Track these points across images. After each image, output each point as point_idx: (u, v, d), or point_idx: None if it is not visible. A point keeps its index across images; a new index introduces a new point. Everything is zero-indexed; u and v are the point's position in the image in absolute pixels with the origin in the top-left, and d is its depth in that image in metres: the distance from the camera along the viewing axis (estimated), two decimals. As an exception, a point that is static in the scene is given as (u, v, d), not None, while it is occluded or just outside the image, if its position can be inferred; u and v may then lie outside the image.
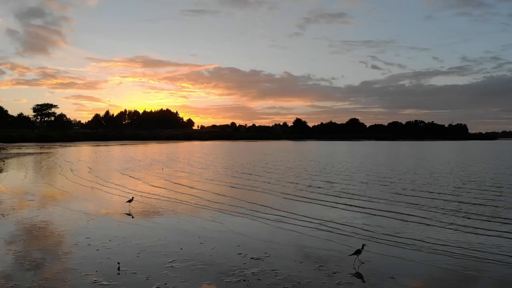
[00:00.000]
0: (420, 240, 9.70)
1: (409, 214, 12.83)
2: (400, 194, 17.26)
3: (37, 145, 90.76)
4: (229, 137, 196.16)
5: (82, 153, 57.74)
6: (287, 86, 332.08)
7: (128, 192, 17.77)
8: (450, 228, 11.02)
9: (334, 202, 15.17)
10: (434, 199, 15.80)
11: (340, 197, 16.50)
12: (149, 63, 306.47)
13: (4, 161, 38.46)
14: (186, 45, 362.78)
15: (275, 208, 13.99)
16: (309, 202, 15.30)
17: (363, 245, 8.27)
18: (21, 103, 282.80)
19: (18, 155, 49.66)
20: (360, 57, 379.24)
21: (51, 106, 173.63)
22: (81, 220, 12.15)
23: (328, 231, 10.70)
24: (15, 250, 8.88)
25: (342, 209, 13.94)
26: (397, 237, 10.07)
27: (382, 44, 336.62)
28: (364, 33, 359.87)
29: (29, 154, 52.58)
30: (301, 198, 16.18)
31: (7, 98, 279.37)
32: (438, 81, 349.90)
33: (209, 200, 15.58)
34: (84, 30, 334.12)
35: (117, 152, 59.25)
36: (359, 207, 14.21)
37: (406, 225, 11.43)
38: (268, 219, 12.14)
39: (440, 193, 17.37)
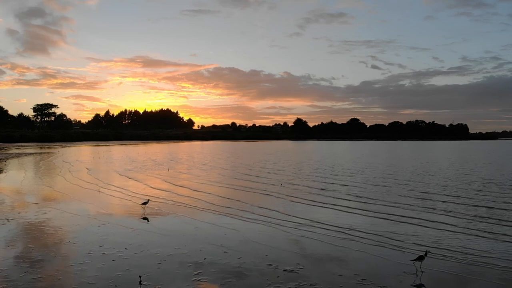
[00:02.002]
0: (460, 252, 8.92)
1: (437, 221, 12.02)
2: (421, 198, 16.50)
3: (37, 145, 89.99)
4: (229, 137, 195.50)
5: (83, 153, 57.00)
6: (287, 86, 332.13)
7: (134, 196, 17.09)
8: (487, 237, 10.27)
9: (353, 208, 14.33)
10: (460, 204, 15.00)
11: (358, 201, 15.69)
12: (149, 63, 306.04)
13: (5, 161, 37.73)
14: (186, 45, 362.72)
15: (291, 214, 13.14)
16: (327, 208, 14.42)
17: (426, 252, 7.67)
18: (21, 103, 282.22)
19: (19, 155, 48.92)
20: (360, 57, 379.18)
21: (51, 106, 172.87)
22: (91, 225, 11.44)
23: (355, 240, 9.92)
24: (23, 260, 8.17)
25: (364, 215, 13.11)
26: (433, 247, 9.26)
27: (382, 44, 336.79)
28: (364, 33, 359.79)
29: (30, 154, 51.82)
30: (317, 203, 15.30)
31: (7, 98, 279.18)
32: (438, 81, 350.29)
33: (221, 206, 14.76)
34: (84, 30, 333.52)
35: (119, 153, 58.52)
36: (381, 213, 13.40)
37: (439, 233, 10.67)
38: (287, 227, 11.32)
39: (463, 197, 16.61)
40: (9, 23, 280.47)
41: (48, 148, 74.92)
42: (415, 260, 7.66)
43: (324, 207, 14.55)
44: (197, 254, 8.59)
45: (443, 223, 11.82)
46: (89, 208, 14.14)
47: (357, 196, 17.04)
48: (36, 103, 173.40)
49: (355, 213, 13.38)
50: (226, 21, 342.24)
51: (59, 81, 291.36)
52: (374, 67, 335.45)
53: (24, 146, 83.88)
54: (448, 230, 10.92)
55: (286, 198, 16.42)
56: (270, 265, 7.91)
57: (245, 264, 7.95)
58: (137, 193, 17.54)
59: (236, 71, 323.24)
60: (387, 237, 10.16)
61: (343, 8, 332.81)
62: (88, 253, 8.73)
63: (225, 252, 8.78)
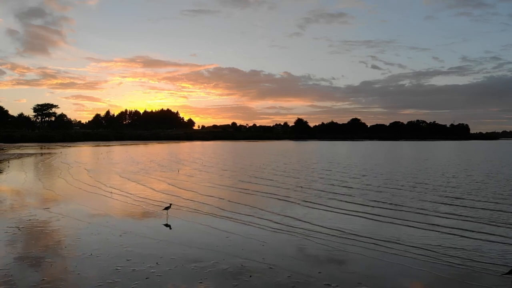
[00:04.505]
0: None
1: (489, 233, 10.82)
2: (457, 204, 15.29)
3: (38, 145, 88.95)
4: (230, 137, 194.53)
5: (86, 154, 56.01)
6: (287, 86, 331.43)
7: (145, 201, 16.10)
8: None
9: (384, 216, 13.00)
10: (504, 212, 13.86)
11: (388, 209, 14.39)
12: (149, 63, 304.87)
13: (8, 162, 36.71)
14: (186, 45, 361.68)
15: (320, 224, 12.02)
16: (357, 216, 13.09)
17: None
18: (21, 103, 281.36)
19: (21, 155, 47.89)
20: (360, 57, 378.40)
21: (51, 106, 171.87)
22: (112, 235, 10.43)
23: (407, 256, 8.75)
24: (42, 279, 7.15)
25: (400, 224, 11.85)
26: (504, 265, 8.19)
27: (382, 44, 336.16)
28: (364, 33, 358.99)
29: (32, 155, 50.81)
30: (344, 211, 13.98)
31: (7, 98, 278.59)
32: (438, 81, 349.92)
33: (242, 214, 13.64)
34: (84, 30, 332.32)
35: (122, 153, 57.49)
36: (422, 222, 12.13)
37: (499, 247, 9.65)
38: (322, 239, 10.16)
39: (502, 203, 15.55)
40: (9, 23, 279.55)
41: (50, 148, 73.86)
42: (507, 273, 6.72)
43: (353, 215, 13.25)
44: (240, 271, 7.60)
45: (495, 234, 10.74)
46: (104, 215, 13.12)
47: (383, 202, 15.74)
48: (36, 103, 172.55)
49: (390, 222, 12.14)
50: (226, 21, 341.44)
51: (59, 81, 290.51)
52: (374, 67, 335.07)
53: (25, 146, 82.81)
54: (507, 243, 9.87)
55: (308, 205, 15.08)
56: (329, 284, 6.92)
57: (299, 284, 6.94)
58: (148, 198, 16.42)
59: (236, 71, 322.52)
60: (443, 254, 8.88)
61: (343, 8, 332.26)
62: (116, 268, 7.74)
63: (270, 268, 7.77)
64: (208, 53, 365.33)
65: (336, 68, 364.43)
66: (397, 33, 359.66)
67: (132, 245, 9.46)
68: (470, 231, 11.07)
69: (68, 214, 13.01)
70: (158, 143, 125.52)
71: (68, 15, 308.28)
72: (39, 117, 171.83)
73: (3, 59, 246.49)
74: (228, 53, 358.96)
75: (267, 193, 18.28)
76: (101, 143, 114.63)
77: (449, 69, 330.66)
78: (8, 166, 32.26)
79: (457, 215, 13.29)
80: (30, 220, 12.18)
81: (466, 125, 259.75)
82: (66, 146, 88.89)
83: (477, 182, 22.25)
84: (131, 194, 17.71)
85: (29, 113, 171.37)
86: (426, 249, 9.27)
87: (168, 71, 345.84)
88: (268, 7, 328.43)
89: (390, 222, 12.19)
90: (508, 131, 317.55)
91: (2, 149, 65.19)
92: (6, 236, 10.25)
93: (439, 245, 9.61)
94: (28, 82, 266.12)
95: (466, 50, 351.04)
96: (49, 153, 55.57)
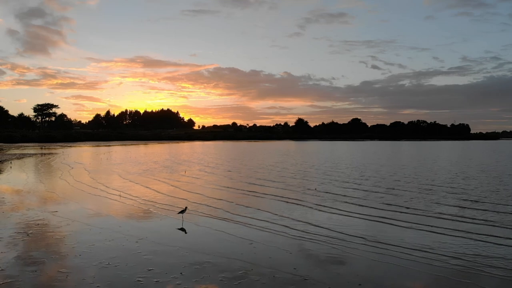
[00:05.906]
0: None
1: None
2: (481, 209, 14.78)
3: (39, 146, 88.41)
4: (231, 137, 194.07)
5: (88, 155, 55.46)
6: (287, 86, 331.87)
7: (152, 204, 15.54)
8: None
9: (414, 223, 12.10)
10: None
11: (416, 214, 13.49)
12: (149, 63, 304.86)
13: (10, 162, 36.15)
14: (186, 45, 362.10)
15: (338, 230, 11.60)
16: (381, 222, 12.35)
17: None
18: (21, 103, 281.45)
19: (22, 156, 47.31)
20: (360, 57, 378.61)
21: (51, 106, 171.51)
22: (127, 241, 9.87)
23: (442, 266, 8.26)
24: (61, 291, 6.61)
25: (433, 232, 11.10)
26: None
27: (382, 44, 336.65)
28: (364, 33, 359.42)
29: (34, 155, 50.25)
30: (368, 217, 13.14)
31: (7, 98, 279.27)
32: (438, 81, 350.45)
33: (256, 219, 13.21)
34: (84, 30, 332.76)
35: (124, 153, 56.93)
36: (450, 228, 11.43)
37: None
38: (347, 247, 9.63)
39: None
40: (10, 23, 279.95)
41: (51, 148, 73.28)
42: None
43: (374, 220, 12.53)
44: (273, 283, 7.01)
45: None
46: (114, 219, 12.54)
47: (402, 206, 15.02)
48: (36, 103, 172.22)
49: (416, 229, 11.42)
50: (226, 21, 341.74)
51: (59, 81, 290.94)
52: (374, 67, 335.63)
53: (26, 146, 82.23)
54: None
55: (325, 209, 14.35)
56: (373, 300, 6.37)
57: (341, 298, 6.40)
58: (156, 201, 15.72)
59: (236, 71, 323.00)
60: (483, 264, 8.30)
61: (343, 8, 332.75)
62: (138, 280, 7.18)
63: (305, 280, 7.20)
64: (208, 53, 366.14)
65: (336, 68, 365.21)
66: (397, 33, 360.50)
67: (151, 252, 8.90)
68: (503, 237, 10.51)
69: (76, 219, 12.45)
70: (159, 143, 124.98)
71: (68, 15, 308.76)
72: (39, 117, 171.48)
73: (3, 59, 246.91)
74: (228, 53, 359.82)
75: (278, 196, 17.62)
76: (102, 143, 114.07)
77: (449, 69, 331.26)
78: (10, 167, 31.70)
79: (483, 220, 12.71)
80: (38, 224, 11.64)
81: (467, 125, 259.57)
82: (66, 146, 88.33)
83: (493, 183, 21.69)
84: (137, 196, 17.12)
85: (29, 113, 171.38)
86: (463, 259, 8.67)
87: (168, 71, 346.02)
88: (268, 7, 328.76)
89: (416, 229, 11.54)
90: (509, 131, 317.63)
91: (2, 150, 64.61)
92: (15, 242, 9.69)
93: (476, 254, 9.04)
94: (28, 82, 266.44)
95: (466, 50, 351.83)
96: (50, 153, 54.99)
